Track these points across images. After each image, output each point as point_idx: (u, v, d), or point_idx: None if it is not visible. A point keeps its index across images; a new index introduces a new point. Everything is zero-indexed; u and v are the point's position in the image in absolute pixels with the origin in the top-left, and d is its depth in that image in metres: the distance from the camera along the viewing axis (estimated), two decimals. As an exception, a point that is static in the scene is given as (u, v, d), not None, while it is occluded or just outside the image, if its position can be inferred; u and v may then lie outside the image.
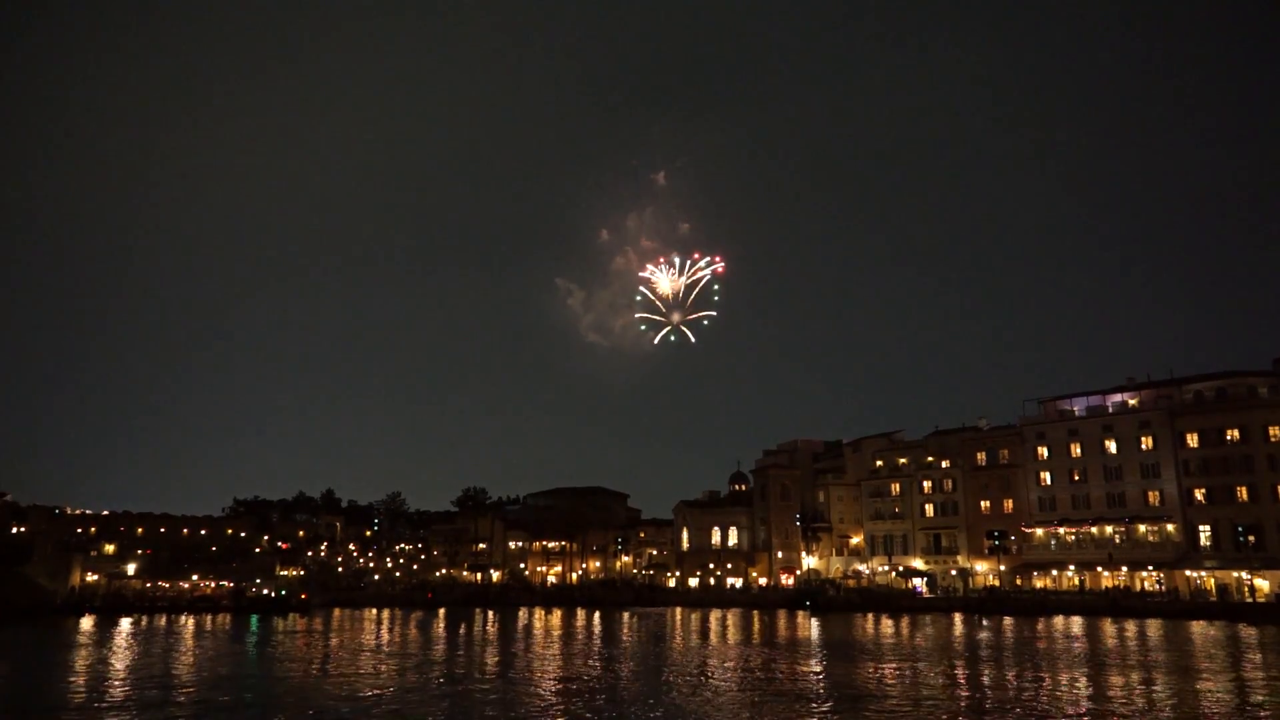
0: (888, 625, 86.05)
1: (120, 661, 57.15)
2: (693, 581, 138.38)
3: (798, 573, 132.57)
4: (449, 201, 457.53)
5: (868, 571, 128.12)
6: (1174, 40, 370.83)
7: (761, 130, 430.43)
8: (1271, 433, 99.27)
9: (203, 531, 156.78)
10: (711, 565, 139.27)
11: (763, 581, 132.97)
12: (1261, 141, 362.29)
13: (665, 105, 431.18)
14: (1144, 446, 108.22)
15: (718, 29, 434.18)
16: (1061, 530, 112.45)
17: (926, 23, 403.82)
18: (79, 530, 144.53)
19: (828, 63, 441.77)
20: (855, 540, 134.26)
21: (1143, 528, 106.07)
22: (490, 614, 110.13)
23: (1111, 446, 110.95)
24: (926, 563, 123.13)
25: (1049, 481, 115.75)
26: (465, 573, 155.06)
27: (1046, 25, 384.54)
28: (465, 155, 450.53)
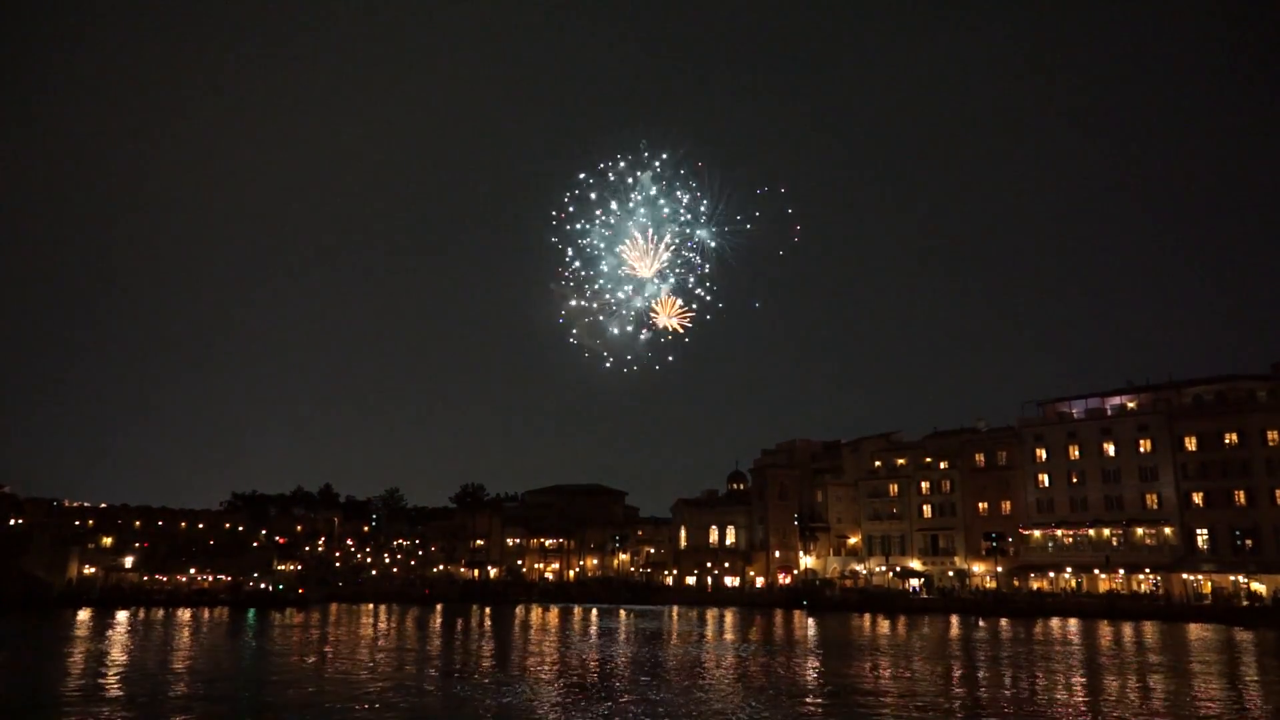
0: (884, 625, 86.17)
1: (117, 654, 57.15)
2: (690, 580, 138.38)
3: (795, 572, 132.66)
4: (446, 200, 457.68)
5: (865, 572, 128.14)
6: (1174, 44, 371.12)
7: (756, 128, 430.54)
8: (1269, 437, 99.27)
9: (200, 525, 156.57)
10: (709, 564, 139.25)
11: (760, 581, 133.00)
12: (1262, 146, 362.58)
13: (661, 102, 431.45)
14: (1142, 449, 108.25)
15: (713, 29, 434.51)
16: (1059, 532, 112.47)
17: (924, 20, 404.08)
18: (76, 523, 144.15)
19: (827, 60, 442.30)
20: (853, 540, 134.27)
21: (1140, 530, 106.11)
22: (487, 610, 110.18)
23: (1110, 449, 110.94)
24: (923, 563, 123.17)
25: (1047, 484, 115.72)
26: (463, 569, 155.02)
27: (1045, 27, 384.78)
28: (463, 155, 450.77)
